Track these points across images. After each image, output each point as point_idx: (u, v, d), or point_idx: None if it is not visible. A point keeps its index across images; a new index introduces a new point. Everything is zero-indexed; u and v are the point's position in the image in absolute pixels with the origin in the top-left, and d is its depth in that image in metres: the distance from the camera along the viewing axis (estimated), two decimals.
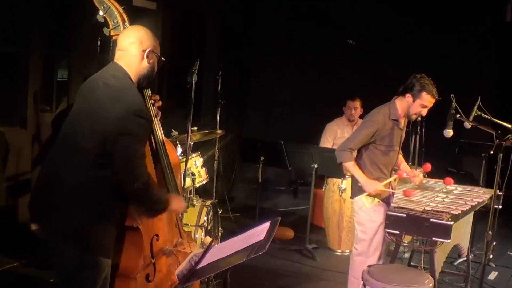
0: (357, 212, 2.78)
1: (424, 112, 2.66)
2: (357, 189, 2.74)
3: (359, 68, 5.44)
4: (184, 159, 3.00)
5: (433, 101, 2.62)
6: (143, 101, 1.82)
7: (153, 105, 1.94)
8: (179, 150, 3.21)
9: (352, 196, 2.81)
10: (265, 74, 5.62)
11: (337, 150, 2.70)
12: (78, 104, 1.79)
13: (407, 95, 2.66)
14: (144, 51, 1.81)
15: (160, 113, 2.01)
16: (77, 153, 1.70)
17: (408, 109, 2.67)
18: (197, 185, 3.37)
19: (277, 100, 5.65)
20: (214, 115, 4.22)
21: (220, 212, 3.53)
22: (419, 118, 2.71)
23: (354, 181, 2.75)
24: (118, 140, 1.65)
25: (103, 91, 1.72)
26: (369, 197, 2.72)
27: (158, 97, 1.97)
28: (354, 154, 2.73)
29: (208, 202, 3.39)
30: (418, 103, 2.64)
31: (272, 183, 5.76)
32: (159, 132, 1.97)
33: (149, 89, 1.96)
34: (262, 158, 3.92)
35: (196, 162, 3.42)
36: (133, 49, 1.80)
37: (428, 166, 2.72)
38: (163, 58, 1.87)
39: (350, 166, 2.66)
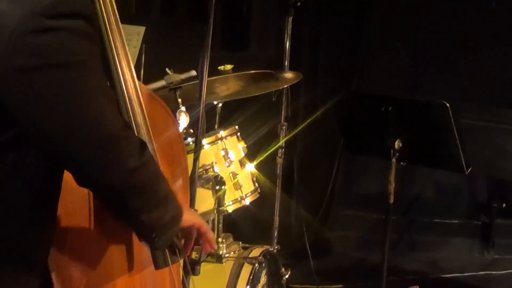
0: None
1: None
2: None
3: None
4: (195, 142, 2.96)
5: None
6: None
7: None
8: (184, 119, 3.26)
9: None
10: None
11: None
12: None
13: None
14: None
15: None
16: None
17: None
18: (230, 209, 3.42)
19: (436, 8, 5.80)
20: (277, 37, 4.42)
21: (286, 276, 3.57)
22: None
23: None
24: (28, 85, 1.69)
25: None
26: None
27: None
28: None
29: (256, 251, 3.44)
30: None
31: (426, 208, 5.86)
32: (126, 72, 2.09)
33: None
34: (397, 143, 3.94)
35: (228, 152, 3.45)
36: None
37: None
38: None
39: None
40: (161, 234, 1.98)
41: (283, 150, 4.21)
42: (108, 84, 2.06)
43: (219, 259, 3.34)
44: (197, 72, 3.03)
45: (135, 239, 2.13)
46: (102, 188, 1.85)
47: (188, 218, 2.12)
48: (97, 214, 2.02)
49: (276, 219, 4.18)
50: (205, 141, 3.30)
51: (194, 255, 2.71)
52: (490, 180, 5.75)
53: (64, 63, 1.68)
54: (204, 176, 3.28)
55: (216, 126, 3.59)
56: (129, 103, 2.07)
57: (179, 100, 3.26)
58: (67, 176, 1.87)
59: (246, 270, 3.30)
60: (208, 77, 2.96)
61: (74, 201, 1.96)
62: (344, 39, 6.00)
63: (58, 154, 1.78)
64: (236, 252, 3.41)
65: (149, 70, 3.55)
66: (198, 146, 2.93)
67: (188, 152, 2.73)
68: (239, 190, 3.42)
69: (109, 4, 2.05)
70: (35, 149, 1.77)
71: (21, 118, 1.72)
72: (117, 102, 2.01)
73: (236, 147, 3.47)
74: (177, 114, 3.24)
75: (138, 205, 1.90)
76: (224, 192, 3.31)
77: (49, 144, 1.75)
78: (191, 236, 2.20)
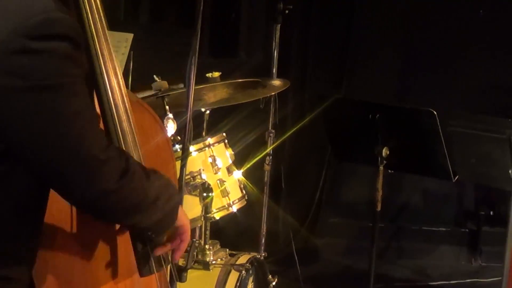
0: None
1: None
2: None
3: None
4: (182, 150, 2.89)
5: None
6: None
7: None
8: (171, 126, 3.27)
9: None
10: None
11: None
12: None
13: None
14: None
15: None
16: None
17: None
18: (217, 216, 3.42)
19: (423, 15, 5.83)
20: (265, 43, 4.44)
21: (273, 284, 3.59)
22: None
23: None
24: (8, 104, 1.70)
25: None
26: None
27: None
28: None
29: (243, 258, 3.45)
30: None
31: (413, 215, 5.88)
32: (113, 79, 2.08)
33: None
34: (385, 151, 3.96)
35: (216, 159, 3.45)
36: None
37: None
38: None
39: None
40: (157, 232, 2.06)
41: (271, 157, 4.22)
42: (95, 92, 2.05)
43: (206, 266, 3.33)
44: (184, 78, 3.03)
45: (119, 246, 2.14)
46: (79, 204, 1.90)
47: (181, 217, 2.14)
48: (79, 221, 2.01)
49: (264, 226, 4.20)
50: (192, 148, 3.29)
51: (181, 262, 2.73)
52: (478, 188, 5.74)
53: (45, 85, 1.68)
54: (191, 183, 3.27)
55: (203, 133, 3.57)
56: (115, 110, 2.06)
57: (167, 107, 3.27)
58: None
59: (233, 277, 3.31)
60: (196, 83, 2.97)
61: (58, 209, 1.96)
62: (333, 45, 5.99)
63: (39, 171, 1.80)
64: (223, 259, 3.40)
65: (137, 77, 3.55)
66: (185, 153, 2.95)
67: (175, 159, 2.76)
68: (227, 197, 3.42)
69: (96, 11, 2.03)
70: (22, 165, 1.78)
71: (4, 135, 1.72)
72: (101, 125, 2.01)
73: (223, 154, 3.47)
74: (164, 121, 3.24)
75: (118, 218, 1.99)
76: (212, 199, 3.31)
77: (30, 162, 1.77)
78: (175, 238, 2.21)
